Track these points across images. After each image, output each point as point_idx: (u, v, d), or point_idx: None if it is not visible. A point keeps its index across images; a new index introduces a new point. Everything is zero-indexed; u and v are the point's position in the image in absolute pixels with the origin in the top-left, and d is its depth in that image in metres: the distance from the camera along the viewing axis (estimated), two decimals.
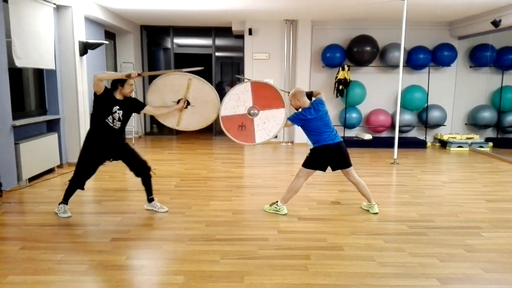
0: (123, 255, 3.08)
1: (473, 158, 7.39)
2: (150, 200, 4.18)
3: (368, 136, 8.47)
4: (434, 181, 5.56)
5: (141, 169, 4.06)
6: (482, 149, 8.08)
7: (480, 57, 8.49)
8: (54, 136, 5.80)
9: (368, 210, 4.15)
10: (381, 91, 8.78)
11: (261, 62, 8.73)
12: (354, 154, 7.35)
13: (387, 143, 7.92)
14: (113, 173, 5.86)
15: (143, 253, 3.13)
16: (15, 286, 2.61)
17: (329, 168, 4.02)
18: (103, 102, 3.81)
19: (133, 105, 3.99)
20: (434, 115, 8.54)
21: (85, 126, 6.38)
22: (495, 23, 6.83)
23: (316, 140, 3.92)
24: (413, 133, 8.96)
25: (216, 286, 2.64)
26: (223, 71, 14.45)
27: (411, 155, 7.51)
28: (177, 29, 9.75)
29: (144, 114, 9.60)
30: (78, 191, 4.01)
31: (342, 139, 4.03)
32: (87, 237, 3.48)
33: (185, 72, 3.96)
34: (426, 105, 8.56)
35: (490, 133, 8.98)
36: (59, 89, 6.02)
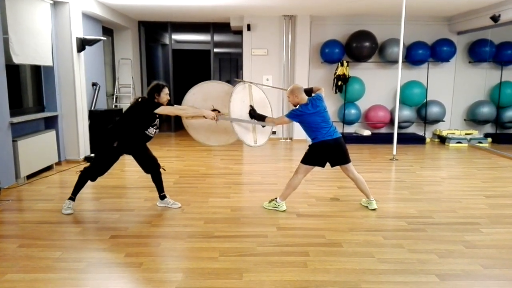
0: (121, 253, 3.07)
1: (472, 153, 7.39)
2: (162, 197, 4.19)
3: (367, 132, 8.46)
4: (433, 177, 5.56)
5: (151, 166, 4.05)
6: (481, 144, 8.08)
7: (479, 52, 8.47)
8: (52, 133, 5.78)
9: (367, 207, 4.15)
10: (380, 87, 8.77)
11: (260, 58, 8.71)
12: (353, 150, 7.35)
13: (386, 139, 7.92)
14: (111, 170, 5.82)
15: (142, 251, 3.12)
16: (14, 284, 2.60)
17: (328, 164, 4.01)
18: (148, 114, 3.79)
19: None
20: (433, 110, 8.53)
21: (83, 122, 6.36)
22: (494, 18, 6.81)
23: (315, 136, 3.91)
24: (412, 129, 8.95)
25: (215, 283, 2.63)
26: (222, 67, 14.41)
27: (410, 151, 7.51)
28: (175, 25, 9.71)
29: None
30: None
31: (341, 135, 4.02)
32: (85, 234, 3.48)
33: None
34: (425, 100, 8.55)
35: (489, 128, 8.99)
36: (57, 86, 5.99)
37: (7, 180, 4.78)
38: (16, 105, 5.32)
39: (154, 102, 3.79)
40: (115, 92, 8.90)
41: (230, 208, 4.16)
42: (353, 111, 8.54)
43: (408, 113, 8.50)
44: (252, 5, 7.46)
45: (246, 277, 2.71)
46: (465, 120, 9.01)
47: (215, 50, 10.03)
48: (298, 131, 8.48)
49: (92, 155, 6.39)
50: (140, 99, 3.89)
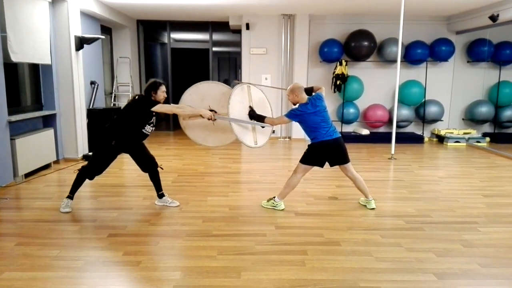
0: (120, 251, 3.07)
1: (470, 153, 7.40)
2: (160, 196, 4.18)
3: (365, 131, 8.47)
4: (431, 176, 5.57)
5: (149, 165, 4.05)
6: (479, 144, 8.09)
7: (477, 52, 8.48)
8: (50, 131, 5.76)
9: (365, 206, 4.16)
10: (378, 86, 8.77)
11: (259, 57, 8.70)
12: (351, 150, 7.35)
13: (384, 138, 7.92)
14: (109, 168, 5.82)
15: (140, 249, 3.12)
16: (11, 282, 2.60)
17: (326, 163, 4.01)
18: (144, 111, 3.78)
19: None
20: (431, 110, 8.54)
21: (81, 121, 6.35)
22: (493, 18, 6.82)
23: (314, 136, 3.91)
24: (411, 128, 8.96)
25: (213, 282, 2.63)
26: (220, 66, 14.40)
27: (408, 150, 7.52)
28: (174, 24, 9.70)
29: None
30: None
31: (340, 135, 4.02)
32: (83, 233, 3.47)
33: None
34: (423, 100, 8.56)
35: (487, 128, 9.00)
36: (55, 84, 5.98)
37: (5, 178, 4.77)
38: (14, 104, 5.30)
39: (151, 100, 3.78)
40: (113, 91, 8.88)
41: (229, 207, 4.16)
42: (351, 110, 8.54)
43: (406, 112, 8.51)
44: (251, 4, 7.45)
45: (244, 276, 2.71)
46: (463, 119, 9.02)
47: (214, 49, 10.02)
48: (297, 130, 8.48)
49: (91, 153, 6.38)
50: (137, 97, 3.88)
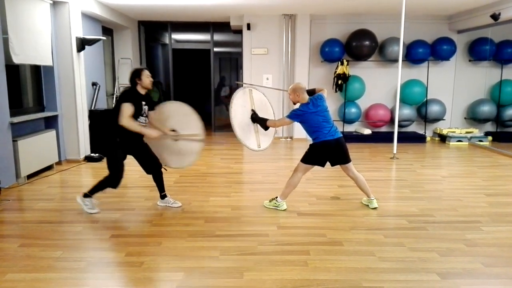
0: (122, 252, 3.07)
1: (472, 152, 7.38)
2: (163, 196, 4.18)
3: (367, 131, 8.46)
4: (433, 176, 5.55)
5: (153, 166, 4.04)
6: (481, 143, 8.07)
7: (479, 51, 8.46)
8: (52, 132, 5.77)
9: (367, 205, 4.15)
10: (380, 85, 8.76)
11: (260, 57, 8.70)
12: (353, 149, 7.34)
13: (386, 138, 7.91)
14: None
15: (142, 250, 3.12)
16: (14, 284, 2.60)
17: (328, 163, 4.00)
18: (134, 101, 3.75)
19: (151, 102, 3.98)
20: (433, 109, 8.52)
21: (83, 122, 6.36)
22: (495, 17, 6.80)
23: (316, 136, 3.90)
24: (413, 128, 8.95)
25: (216, 282, 2.63)
26: (222, 67, 14.40)
27: (410, 149, 7.51)
28: (175, 25, 9.70)
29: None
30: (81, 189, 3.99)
31: (341, 135, 4.01)
32: (86, 234, 3.48)
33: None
34: (425, 99, 8.54)
35: (489, 127, 8.97)
36: (57, 86, 5.99)
37: (8, 180, 4.78)
38: (16, 105, 5.31)
39: (134, 91, 3.75)
40: (115, 92, 8.88)
41: (231, 207, 4.16)
42: (353, 110, 8.53)
43: (408, 111, 8.49)
44: (252, 4, 7.45)
45: (247, 276, 2.70)
46: (465, 118, 9.00)
47: (215, 49, 10.02)
48: (298, 130, 8.47)
49: (93, 154, 6.39)
50: (123, 90, 3.86)
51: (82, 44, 6.25)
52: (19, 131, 5.15)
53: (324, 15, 8.48)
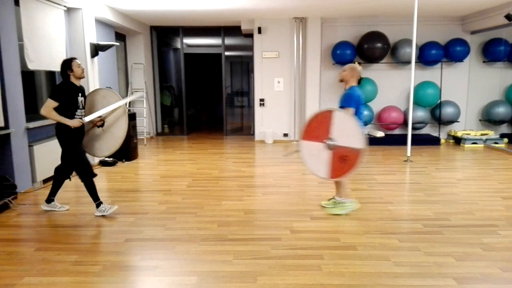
0: (136, 256, 3.10)
1: (488, 154, 7.27)
2: (49, 200, 4.18)
3: (380, 134, 8.39)
4: (448, 179, 5.48)
5: (68, 160, 4.05)
6: (497, 145, 7.94)
7: (493, 51, 8.35)
8: None
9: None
10: (393, 87, 8.69)
11: (271, 61, 8.71)
12: (366, 152, 7.30)
13: (399, 140, 7.84)
14: (125, 174, 5.90)
15: (156, 254, 3.14)
16: (31, 287, 2.64)
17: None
18: (67, 94, 3.79)
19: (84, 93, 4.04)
20: (447, 111, 8.42)
21: None
22: (509, 17, 6.70)
23: None
24: (426, 130, 8.85)
25: (229, 287, 2.63)
26: (233, 70, 14.46)
27: (424, 152, 7.42)
28: (187, 29, 9.78)
29: (156, 115, 9.66)
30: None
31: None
32: (101, 238, 3.51)
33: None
34: (439, 101, 8.44)
35: (505, 129, 8.83)
36: None
37: (24, 184, 4.86)
38: (32, 111, 5.39)
39: (60, 89, 3.79)
40: (128, 97, 8.98)
41: (244, 211, 4.16)
42: (365, 112, 8.47)
43: (422, 114, 8.41)
44: (262, 8, 7.48)
45: (260, 281, 2.70)
46: (480, 120, 8.87)
47: (226, 53, 10.07)
48: None
49: (107, 159, 6.46)
50: (56, 85, 3.91)
51: (96, 49, 6.34)
52: (34, 136, 5.24)
53: (335, 18, 8.46)
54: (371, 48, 8.09)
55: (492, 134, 8.25)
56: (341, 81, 4.04)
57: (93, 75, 6.35)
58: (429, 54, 8.21)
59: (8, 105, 4.50)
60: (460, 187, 5.04)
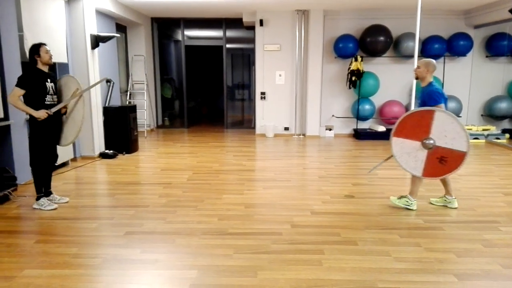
0: (137, 249, 3.09)
1: (489, 150, 7.25)
2: (48, 193, 4.18)
3: (381, 128, 8.36)
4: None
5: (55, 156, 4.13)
6: (498, 141, 7.92)
7: (496, 46, 8.30)
8: None
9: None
10: (395, 82, 8.65)
11: (273, 54, 8.67)
12: (367, 146, 7.28)
13: None
14: (125, 166, 5.89)
15: (156, 247, 3.13)
16: (31, 280, 2.63)
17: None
18: (34, 81, 3.77)
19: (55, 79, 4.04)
20: (449, 106, 8.37)
21: (97, 119, 6.41)
22: None
23: None
24: None
25: (230, 281, 2.63)
26: (234, 63, 14.39)
27: None
28: (188, 21, 9.71)
29: (156, 108, 9.63)
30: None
31: None
32: (101, 230, 3.50)
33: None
34: None
35: (507, 124, 8.80)
36: None
37: (24, 176, 4.85)
38: None
39: (26, 77, 3.76)
40: (128, 89, 8.95)
41: (244, 205, 4.15)
42: (367, 106, 8.43)
43: None
44: (264, 0, 7.41)
45: (261, 275, 2.69)
46: (482, 115, 8.84)
47: (228, 45, 10.00)
48: (311, 127, 8.43)
49: (108, 151, 6.45)
50: (24, 72, 3.88)
51: (96, 41, 6.29)
52: None
53: (337, 10, 8.39)
54: (373, 41, 8.04)
55: (494, 129, 8.23)
56: (417, 78, 3.96)
57: (94, 67, 6.31)
58: (432, 48, 8.15)
59: (8, 96, 4.47)
60: (461, 183, 5.02)
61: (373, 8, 8.09)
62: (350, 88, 8.30)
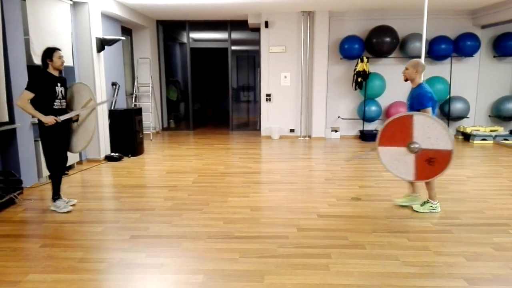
0: (142, 253, 3.07)
1: (497, 151, 7.16)
2: (56, 199, 4.11)
3: None
4: (457, 176, 5.40)
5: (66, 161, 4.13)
6: (507, 141, 7.83)
7: (504, 46, 8.21)
8: None
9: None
10: (401, 83, 8.47)
11: (278, 55, 8.64)
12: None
13: None
14: (131, 169, 5.88)
15: (162, 251, 3.11)
16: (36, 285, 2.62)
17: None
18: (44, 84, 3.76)
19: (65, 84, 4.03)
20: (456, 107, 8.31)
21: (103, 122, 6.42)
22: None
23: None
24: None
25: (236, 286, 2.59)
26: (239, 65, 14.39)
27: None
28: (193, 24, 9.71)
29: (161, 110, 9.64)
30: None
31: None
32: (106, 234, 3.49)
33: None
34: (448, 96, 8.32)
35: None
36: None
37: (30, 179, 4.85)
38: None
39: (37, 79, 3.75)
40: (134, 91, 8.96)
41: (250, 208, 4.12)
42: (373, 108, 8.38)
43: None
44: (270, 2, 7.39)
45: (267, 280, 2.66)
46: (490, 116, 8.75)
47: (233, 48, 10.00)
48: (316, 128, 8.39)
49: (113, 154, 6.45)
50: (34, 74, 3.87)
51: (102, 44, 6.30)
52: None
53: (343, 11, 8.35)
54: (379, 42, 7.99)
55: (501, 130, 8.13)
56: (406, 80, 3.92)
57: (99, 70, 6.32)
58: (439, 49, 8.09)
59: (13, 100, 4.48)
60: (469, 185, 4.96)
61: (379, 8, 8.04)
62: (356, 89, 8.25)
